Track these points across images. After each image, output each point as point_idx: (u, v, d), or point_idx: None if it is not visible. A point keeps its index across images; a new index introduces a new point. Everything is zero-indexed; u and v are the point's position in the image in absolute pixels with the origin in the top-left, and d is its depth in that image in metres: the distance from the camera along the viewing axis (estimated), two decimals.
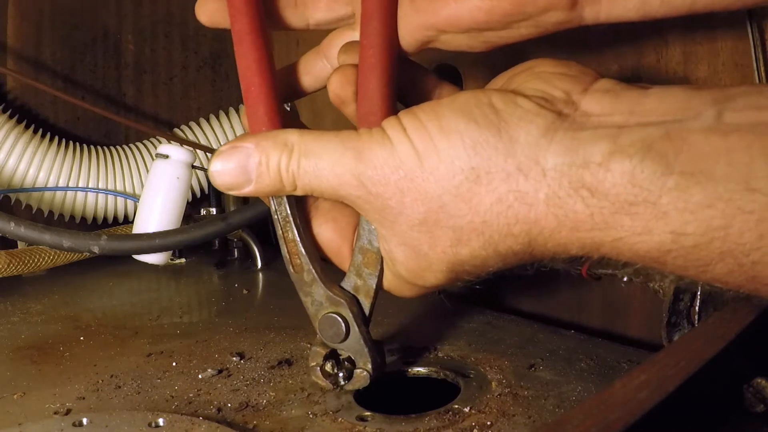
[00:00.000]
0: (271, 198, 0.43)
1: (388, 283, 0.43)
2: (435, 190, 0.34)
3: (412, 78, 0.44)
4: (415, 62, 0.44)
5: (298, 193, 0.39)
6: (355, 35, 0.44)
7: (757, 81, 0.50)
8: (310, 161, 0.37)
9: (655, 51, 0.56)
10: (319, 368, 0.45)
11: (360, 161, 0.36)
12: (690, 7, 0.37)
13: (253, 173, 0.39)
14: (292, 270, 0.44)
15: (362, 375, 0.45)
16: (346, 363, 0.45)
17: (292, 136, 0.38)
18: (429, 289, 0.41)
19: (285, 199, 0.43)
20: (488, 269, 0.37)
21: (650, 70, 0.57)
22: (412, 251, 0.38)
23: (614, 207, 0.31)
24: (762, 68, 0.50)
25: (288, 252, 0.44)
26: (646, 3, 0.38)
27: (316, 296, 0.44)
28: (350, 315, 0.44)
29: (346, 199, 0.38)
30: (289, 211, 0.43)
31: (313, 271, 0.43)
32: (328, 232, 0.44)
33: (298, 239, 0.43)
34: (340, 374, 0.45)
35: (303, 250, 0.43)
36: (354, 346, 0.45)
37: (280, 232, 0.43)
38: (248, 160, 0.39)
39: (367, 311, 0.44)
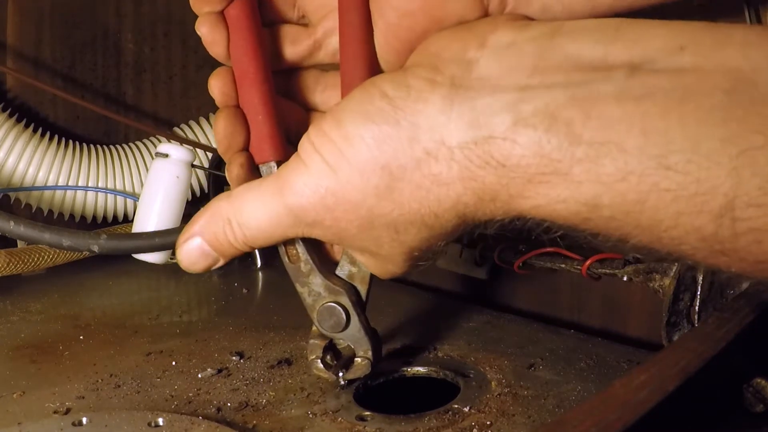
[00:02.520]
0: None
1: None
2: (356, 197, 0.35)
3: None
4: None
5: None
6: None
7: None
8: (251, 223, 0.38)
9: None
10: (319, 361, 0.45)
11: (284, 195, 0.37)
12: (591, 11, 0.36)
13: (214, 253, 0.41)
14: (287, 260, 0.44)
15: (363, 363, 0.45)
16: (345, 353, 0.45)
17: (223, 205, 0.39)
18: (401, 274, 0.41)
19: None
20: (438, 247, 0.38)
21: None
22: (367, 253, 0.39)
23: (526, 177, 0.30)
24: None
25: (283, 243, 0.43)
26: (546, 9, 0.36)
27: (314, 286, 0.44)
28: (350, 303, 0.44)
29: (297, 236, 0.39)
30: None
31: (311, 260, 0.43)
32: None
33: None
34: (341, 365, 0.45)
35: (300, 240, 0.43)
36: (354, 335, 0.45)
37: None
38: (202, 246, 0.40)
39: (363, 298, 0.45)
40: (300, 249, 0.43)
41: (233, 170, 0.42)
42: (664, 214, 0.28)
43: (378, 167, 0.34)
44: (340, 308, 0.44)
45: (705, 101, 0.26)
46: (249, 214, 0.38)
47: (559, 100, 0.29)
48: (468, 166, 0.32)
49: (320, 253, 0.44)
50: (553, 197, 0.30)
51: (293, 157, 0.37)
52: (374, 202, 0.35)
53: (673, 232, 0.28)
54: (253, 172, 0.42)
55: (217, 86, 0.43)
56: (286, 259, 0.44)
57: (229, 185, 0.54)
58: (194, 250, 0.41)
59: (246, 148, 0.43)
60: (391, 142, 0.33)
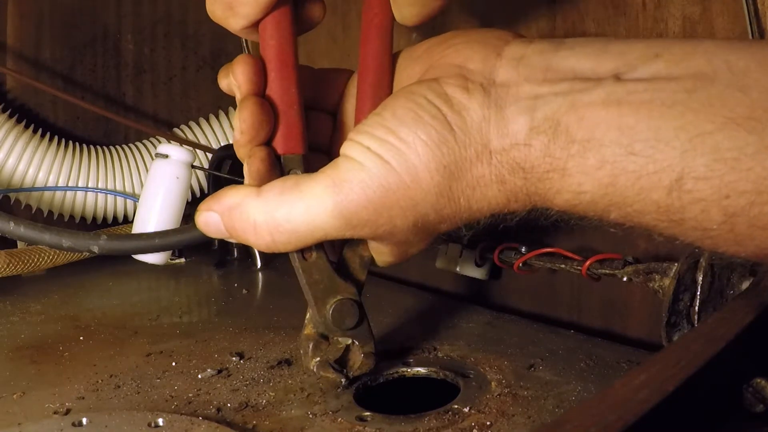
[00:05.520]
0: None
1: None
2: (419, 195, 0.36)
3: None
4: None
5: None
6: None
7: None
8: (285, 227, 0.38)
9: None
10: (327, 362, 0.45)
11: (336, 194, 0.37)
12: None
13: (228, 234, 0.41)
14: (301, 257, 0.42)
15: (369, 358, 0.45)
16: (344, 351, 0.46)
17: (252, 206, 0.38)
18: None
19: None
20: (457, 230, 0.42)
21: None
22: (402, 244, 0.41)
23: (537, 176, 0.35)
24: None
25: None
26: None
27: (326, 283, 0.43)
28: (360, 299, 0.44)
29: (337, 238, 0.39)
30: None
31: (324, 256, 0.43)
32: None
33: None
34: (345, 364, 0.45)
35: None
36: (360, 331, 0.45)
37: None
38: (219, 226, 0.40)
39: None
40: (315, 246, 0.42)
41: (254, 164, 0.41)
42: (630, 191, 0.33)
43: (441, 167, 0.36)
44: (356, 305, 0.44)
45: (669, 99, 0.32)
46: (284, 217, 0.38)
47: (563, 108, 0.34)
48: (501, 171, 0.36)
49: (329, 249, 0.44)
50: (553, 190, 0.35)
51: (342, 160, 0.37)
52: (434, 199, 0.37)
53: (636, 206, 0.33)
54: (274, 167, 0.41)
55: (243, 73, 0.41)
56: (300, 256, 0.42)
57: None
58: (211, 224, 0.40)
59: (268, 141, 0.42)
60: (449, 144, 0.36)
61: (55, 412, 0.45)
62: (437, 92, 0.36)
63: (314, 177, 0.37)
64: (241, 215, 0.39)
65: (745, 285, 0.46)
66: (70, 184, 0.82)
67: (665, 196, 0.32)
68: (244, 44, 0.96)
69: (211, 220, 0.40)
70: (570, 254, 0.59)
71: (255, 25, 0.41)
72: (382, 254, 0.44)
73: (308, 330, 0.45)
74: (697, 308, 0.47)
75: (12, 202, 0.81)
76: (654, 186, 0.32)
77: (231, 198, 0.39)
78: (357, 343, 0.45)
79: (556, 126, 0.34)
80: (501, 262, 0.65)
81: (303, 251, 0.42)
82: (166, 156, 0.75)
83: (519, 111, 0.35)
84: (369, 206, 0.36)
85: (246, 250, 0.87)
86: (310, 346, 0.45)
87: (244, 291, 0.74)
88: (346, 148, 0.37)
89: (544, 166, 0.34)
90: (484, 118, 0.36)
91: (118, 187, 0.85)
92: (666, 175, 0.31)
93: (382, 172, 0.36)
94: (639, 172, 0.32)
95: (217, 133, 0.91)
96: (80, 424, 0.42)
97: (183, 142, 0.85)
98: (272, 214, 0.38)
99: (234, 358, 0.53)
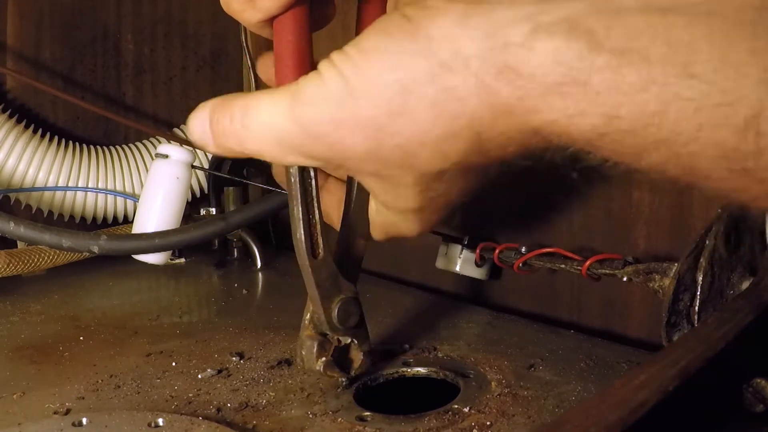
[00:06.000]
0: (297, 176, 0.42)
1: (385, 228, 0.42)
2: (368, 112, 0.34)
3: None
4: None
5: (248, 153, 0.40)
6: None
7: None
8: (253, 125, 0.38)
9: None
10: (332, 362, 0.45)
11: (294, 101, 0.36)
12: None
13: (210, 137, 0.40)
14: (310, 255, 0.41)
15: (368, 357, 0.46)
16: (343, 350, 0.46)
17: (235, 99, 0.39)
18: (425, 223, 0.40)
19: (312, 178, 0.42)
20: (456, 195, 0.37)
21: None
22: (378, 178, 0.38)
23: (543, 88, 0.29)
24: None
25: (310, 235, 0.42)
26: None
27: (333, 281, 0.43)
28: (359, 298, 0.44)
29: (299, 152, 0.37)
30: (315, 193, 0.41)
31: (330, 256, 0.43)
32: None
33: (321, 222, 0.42)
34: (347, 363, 0.45)
35: (323, 234, 0.42)
36: (360, 330, 0.45)
37: (306, 215, 0.41)
38: (204, 125, 0.40)
39: None
40: (323, 242, 0.42)
41: None
42: (684, 126, 0.26)
43: (393, 80, 0.33)
44: (358, 303, 0.44)
45: (733, 15, 0.26)
46: (255, 114, 0.38)
47: (580, 12, 0.28)
48: (484, 78, 0.31)
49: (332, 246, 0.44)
50: (570, 110, 0.29)
51: (312, 73, 0.36)
52: (386, 119, 0.33)
53: (692, 147, 0.27)
54: None
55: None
56: (309, 254, 0.41)
57: (229, 186, 0.54)
58: (198, 118, 0.40)
59: None
60: (407, 55, 0.32)
61: (55, 412, 0.45)
62: (417, 5, 0.33)
63: (282, 87, 0.37)
64: (224, 107, 0.39)
65: (745, 285, 0.46)
66: (70, 184, 0.82)
67: (734, 136, 0.26)
68: (244, 45, 0.96)
69: (199, 114, 0.40)
70: (570, 254, 0.59)
71: (270, 20, 0.41)
72: (373, 192, 0.40)
73: (309, 331, 0.45)
74: (697, 308, 0.47)
75: (12, 202, 0.81)
76: (720, 122, 0.26)
77: (223, 96, 0.40)
78: (356, 342, 0.45)
79: (573, 28, 0.28)
80: (501, 262, 0.65)
81: (313, 245, 0.42)
82: (166, 156, 0.75)
83: (516, 15, 0.30)
84: (320, 119, 0.35)
85: (246, 250, 0.87)
86: (315, 347, 0.45)
87: (244, 291, 0.74)
88: (320, 63, 0.36)
89: (555, 75, 0.28)
90: (458, 24, 0.31)
91: (118, 187, 0.85)
92: (736, 110, 0.25)
93: (336, 85, 0.34)
94: (699, 101, 0.26)
95: None
96: (80, 424, 0.42)
97: (183, 142, 0.85)
98: (247, 111, 0.38)
99: (234, 358, 0.53)
